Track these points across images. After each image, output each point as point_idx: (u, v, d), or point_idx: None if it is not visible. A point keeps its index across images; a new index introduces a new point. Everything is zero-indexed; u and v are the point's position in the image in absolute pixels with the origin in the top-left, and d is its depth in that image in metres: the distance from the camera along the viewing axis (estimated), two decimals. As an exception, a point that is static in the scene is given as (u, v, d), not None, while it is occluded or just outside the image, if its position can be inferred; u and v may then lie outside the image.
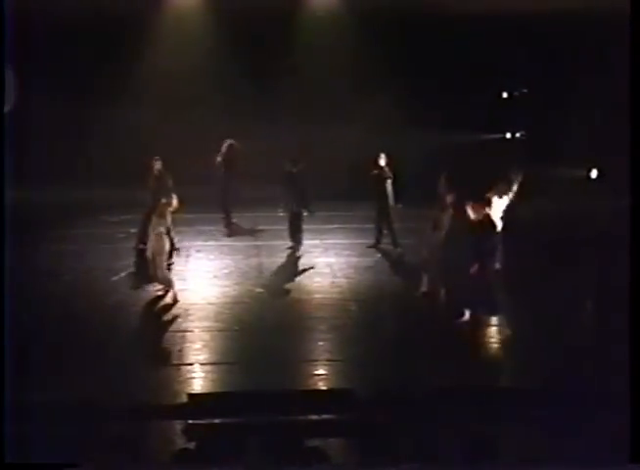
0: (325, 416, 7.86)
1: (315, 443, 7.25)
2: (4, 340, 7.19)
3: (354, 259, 13.46)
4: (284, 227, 14.18)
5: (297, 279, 12.39)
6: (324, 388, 8.50)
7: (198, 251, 14.03)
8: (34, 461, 6.63)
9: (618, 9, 8.27)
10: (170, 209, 11.11)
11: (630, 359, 6.73)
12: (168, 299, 11.02)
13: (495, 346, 9.59)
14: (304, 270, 12.83)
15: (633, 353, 6.74)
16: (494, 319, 10.17)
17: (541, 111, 19.53)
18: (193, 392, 8.26)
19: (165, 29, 19.15)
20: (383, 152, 13.99)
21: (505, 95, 21.27)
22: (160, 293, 11.25)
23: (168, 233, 11.19)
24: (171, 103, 18.91)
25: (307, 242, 14.28)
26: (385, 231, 14.03)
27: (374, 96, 19.02)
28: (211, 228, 15.65)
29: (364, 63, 19.11)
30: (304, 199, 13.72)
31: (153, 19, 18.99)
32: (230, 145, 15.45)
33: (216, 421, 7.78)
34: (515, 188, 11.07)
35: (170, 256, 11.86)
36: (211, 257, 13.79)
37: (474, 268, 9.67)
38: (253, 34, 18.58)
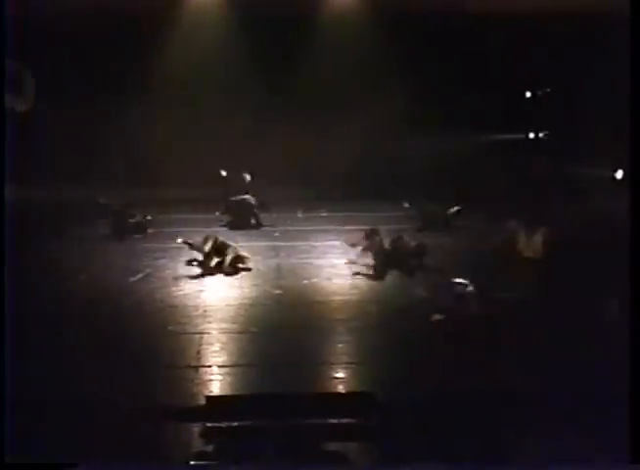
0: (344, 420, 7.87)
1: (334, 446, 7.33)
2: (4, 341, 7.34)
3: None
4: (302, 228, 14.23)
5: (316, 280, 12.42)
6: (343, 391, 8.53)
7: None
8: (34, 461, 6.75)
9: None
10: None
11: (630, 359, 6.86)
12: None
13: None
14: (324, 272, 12.85)
15: (633, 354, 6.87)
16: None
17: (566, 110, 19.48)
18: (210, 394, 8.33)
19: (176, 28, 19.31)
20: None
21: (528, 95, 21.26)
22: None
23: None
24: (184, 102, 19.05)
25: (327, 242, 14.40)
26: None
27: (394, 96, 19.07)
28: (228, 230, 15.79)
29: (384, 62, 19.19)
30: None
31: (166, 17, 19.08)
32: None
33: (234, 424, 7.82)
34: None
35: None
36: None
37: None
38: (272, 35, 18.70)
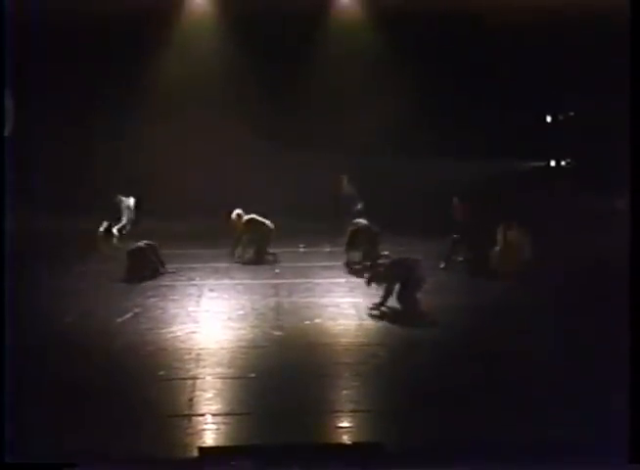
0: (350, 473, 7.83)
1: (338, 503, 7.24)
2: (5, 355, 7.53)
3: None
4: (304, 264, 14.28)
5: (320, 321, 12.39)
6: (349, 441, 8.48)
7: (211, 290, 14.24)
8: (34, 461, 6.98)
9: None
10: None
11: (630, 359, 7.17)
12: None
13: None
14: (327, 311, 12.84)
15: (633, 353, 7.19)
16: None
17: (590, 135, 19.54)
18: (204, 445, 8.28)
19: (177, 36, 19.74)
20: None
21: (549, 119, 21.37)
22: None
23: None
24: (185, 119, 19.20)
25: (331, 280, 14.44)
26: None
27: (402, 123, 19.20)
28: (226, 265, 15.90)
29: (395, 81, 19.41)
30: None
31: (165, 22, 19.51)
32: None
33: (230, 477, 7.75)
34: None
35: None
36: (226, 296, 13.91)
37: None
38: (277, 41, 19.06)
